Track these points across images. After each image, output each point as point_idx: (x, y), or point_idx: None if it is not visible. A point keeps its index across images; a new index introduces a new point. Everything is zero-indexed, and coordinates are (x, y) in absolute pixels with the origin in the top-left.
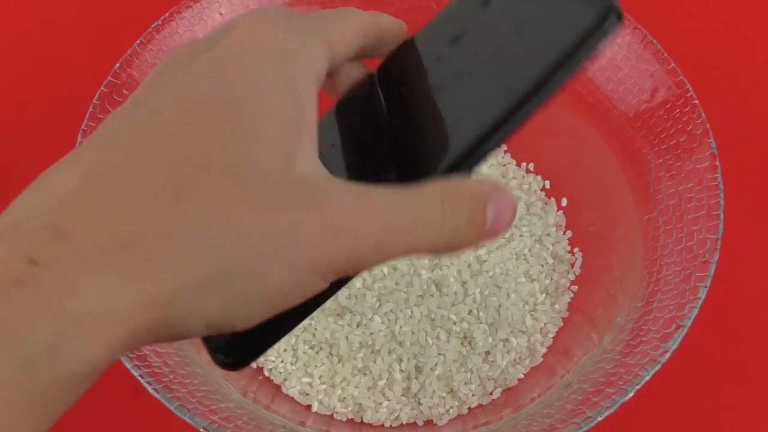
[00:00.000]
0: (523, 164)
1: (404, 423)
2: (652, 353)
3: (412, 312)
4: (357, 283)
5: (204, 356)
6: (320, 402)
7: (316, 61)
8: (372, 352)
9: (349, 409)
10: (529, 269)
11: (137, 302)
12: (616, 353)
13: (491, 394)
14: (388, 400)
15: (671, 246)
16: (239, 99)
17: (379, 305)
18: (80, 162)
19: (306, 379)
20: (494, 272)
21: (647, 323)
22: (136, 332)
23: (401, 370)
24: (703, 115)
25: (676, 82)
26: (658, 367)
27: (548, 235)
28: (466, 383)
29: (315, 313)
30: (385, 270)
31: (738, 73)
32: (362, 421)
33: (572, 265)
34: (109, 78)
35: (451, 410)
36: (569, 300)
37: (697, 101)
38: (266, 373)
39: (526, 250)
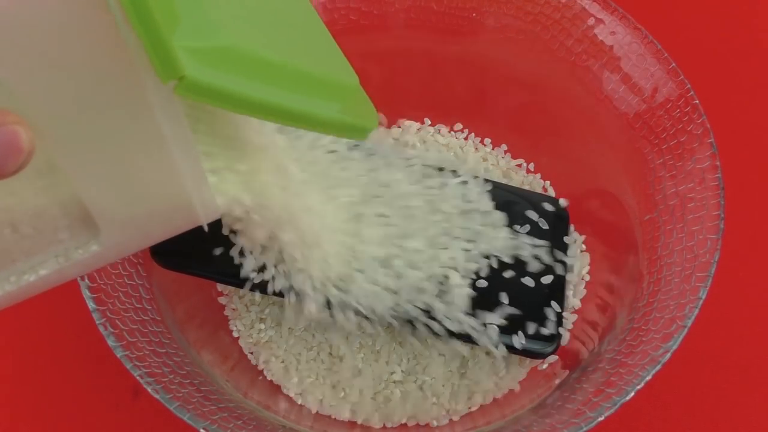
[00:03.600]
0: (524, 164)
1: (405, 423)
2: (653, 353)
3: None
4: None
5: (204, 356)
6: (320, 402)
7: None
8: (372, 352)
9: (349, 409)
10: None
11: None
12: (617, 353)
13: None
14: (389, 401)
15: (672, 246)
16: None
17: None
18: None
19: (306, 380)
20: None
21: (648, 323)
22: None
23: (402, 371)
24: (704, 115)
25: (676, 82)
26: (658, 367)
27: None
28: (466, 384)
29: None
30: None
31: (738, 73)
32: (362, 422)
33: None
34: None
35: (451, 411)
36: None
37: (697, 101)
38: (266, 374)
39: None
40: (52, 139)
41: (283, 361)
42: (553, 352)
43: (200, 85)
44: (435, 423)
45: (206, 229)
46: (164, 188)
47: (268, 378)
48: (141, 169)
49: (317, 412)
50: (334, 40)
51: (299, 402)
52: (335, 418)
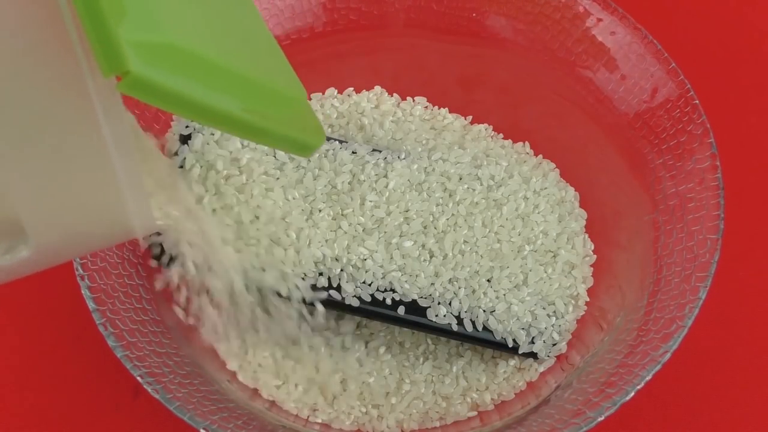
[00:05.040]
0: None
1: (406, 426)
2: (653, 353)
3: None
4: None
5: (204, 356)
6: (319, 404)
7: None
8: (375, 356)
9: (349, 411)
10: None
11: None
12: (617, 353)
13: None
14: (388, 403)
15: (671, 246)
16: None
17: None
18: None
19: (304, 381)
20: None
21: (647, 323)
22: None
23: (402, 373)
24: (704, 115)
25: (676, 82)
26: (658, 367)
27: None
28: (465, 385)
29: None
30: None
31: (738, 73)
32: (363, 424)
33: None
34: None
35: (451, 412)
36: None
37: (697, 101)
38: (264, 375)
39: None
40: None
41: (281, 363)
42: (550, 354)
43: (144, 82)
44: (438, 423)
45: (142, 244)
46: (100, 194)
47: (267, 379)
48: (76, 170)
49: (315, 414)
50: (282, 52)
51: (296, 403)
52: (334, 421)
